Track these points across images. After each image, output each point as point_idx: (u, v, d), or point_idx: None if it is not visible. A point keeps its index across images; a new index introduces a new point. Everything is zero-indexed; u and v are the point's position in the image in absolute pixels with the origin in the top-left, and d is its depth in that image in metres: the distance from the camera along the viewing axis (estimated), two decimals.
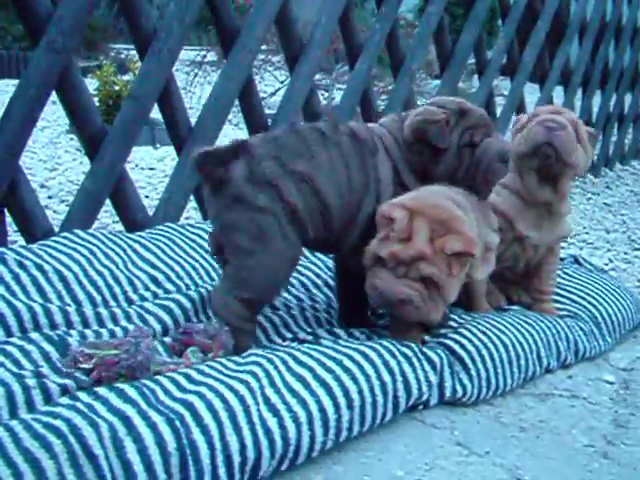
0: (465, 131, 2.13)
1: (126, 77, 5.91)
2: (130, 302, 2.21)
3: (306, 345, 1.91)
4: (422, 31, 3.80)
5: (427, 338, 2.06)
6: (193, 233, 2.66)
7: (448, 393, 1.92)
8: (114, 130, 2.62)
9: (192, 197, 2.93)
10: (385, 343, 1.89)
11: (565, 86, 5.23)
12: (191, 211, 3.48)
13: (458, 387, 1.94)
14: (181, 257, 2.51)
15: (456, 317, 2.19)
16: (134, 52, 2.82)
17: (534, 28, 4.69)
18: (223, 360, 1.79)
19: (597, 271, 2.83)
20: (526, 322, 2.25)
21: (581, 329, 2.38)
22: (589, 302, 2.54)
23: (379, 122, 2.27)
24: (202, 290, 2.25)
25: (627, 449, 1.87)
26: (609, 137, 5.89)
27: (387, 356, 1.83)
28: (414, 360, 1.87)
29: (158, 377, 1.67)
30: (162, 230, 2.66)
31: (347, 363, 1.77)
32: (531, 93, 5.23)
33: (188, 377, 1.67)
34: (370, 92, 3.55)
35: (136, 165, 4.86)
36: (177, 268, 2.44)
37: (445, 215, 1.90)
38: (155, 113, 2.91)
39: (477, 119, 2.15)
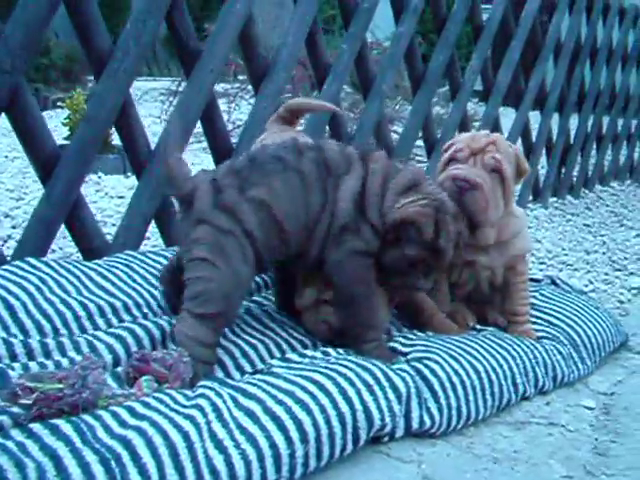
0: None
1: None
2: (83, 330, 2.08)
3: (257, 376, 1.78)
4: (392, 51, 3.72)
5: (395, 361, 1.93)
6: (154, 260, 2.54)
7: (415, 424, 1.80)
8: (68, 153, 2.51)
9: (154, 223, 2.82)
10: (343, 370, 1.77)
11: (541, 108, 5.17)
12: (154, 237, 3.36)
13: (426, 418, 1.82)
14: (140, 285, 2.38)
15: (423, 336, 2.08)
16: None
17: (507, 49, 4.64)
18: (173, 392, 1.66)
19: (575, 292, 2.72)
20: (501, 346, 2.14)
21: (559, 353, 2.26)
22: (567, 324, 2.43)
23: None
24: (160, 321, 2.13)
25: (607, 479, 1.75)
26: (587, 158, 5.84)
27: (345, 384, 1.71)
28: (376, 388, 1.74)
29: (100, 411, 1.54)
30: (120, 257, 2.54)
31: (300, 394, 1.64)
32: (507, 116, 5.18)
33: (131, 411, 1.54)
34: (339, 114, 3.46)
35: (106, 193, 4.74)
36: (135, 296, 2.30)
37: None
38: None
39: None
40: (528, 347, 2.19)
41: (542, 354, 2.20)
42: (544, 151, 5.30)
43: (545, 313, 2.49)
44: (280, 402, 1.61)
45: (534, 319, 2.44)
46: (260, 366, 1.95)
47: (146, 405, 1.57)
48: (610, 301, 3.27)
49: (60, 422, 1.46)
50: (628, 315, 3.00)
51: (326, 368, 1.78)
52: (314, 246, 2.04)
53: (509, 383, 2.04)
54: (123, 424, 1.48)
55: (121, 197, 4.68)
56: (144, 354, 1.80)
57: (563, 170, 5.56)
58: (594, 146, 5.93)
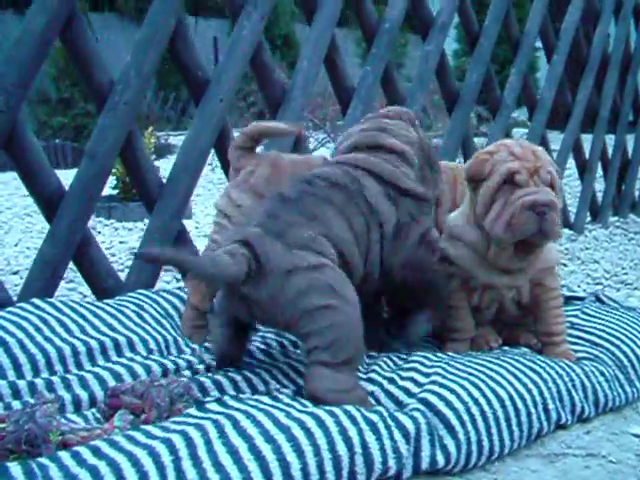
0: None
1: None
2: (80, 367, 1.98)
3: (259, 404, 1.61)
4: (421, 71, 3.57)
5: (405, 397, 1.73)
6: (165, 300, 2.42)
7: (425, 464, 1.58)
8: (72, 191, 2.44)
9: None
10: (347, 406, 1.58)
11: (592, 124, 4.90)
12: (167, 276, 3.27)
13: (439, 456, 1.60)
14: (148, 323, 2.26)
15: (444, 359, 1.89)
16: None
17: (550, 64, 4.43)
18: (149, 427, 1.51)
19: (623, 308, 2.46)
20: (531, 369, 1.91)
21: (601, 374, 2.01)
22: (612, 343, 2.18)
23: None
24: (164, 359, 2.01)
25: None
26: None
27: (346, 422, 1.51)
28: (380, 426, 1.54)
29: (60, 452, 1.40)
30: (131, 297, 2.43)
31: (295, 431, 1.46)
32: (552, 140, 4.93)
33: (95, 450, 1.39)
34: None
35: (129, 229, 4.80)
36: (142, 333, 2.18)
37: None
38: None
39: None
40: (563, 369, 1.95)
41: (580, 376, 1.95)
42: (600, 169, 5.01)
43: (587, 332, 2.24)
44: (270, 440, 1.44)
45: (574, 339, 2.20)
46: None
47: (112, 444, 1.42)
48: None
49: (12, 464, 1.33)
50: None
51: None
52: (372, 265, 1.98)
53: (540, 410, 1.81)
54: (81, 463, 1.34)
55: None
56: (114, 388, 1.68)
57: (623, 187, 5.25)
58: None
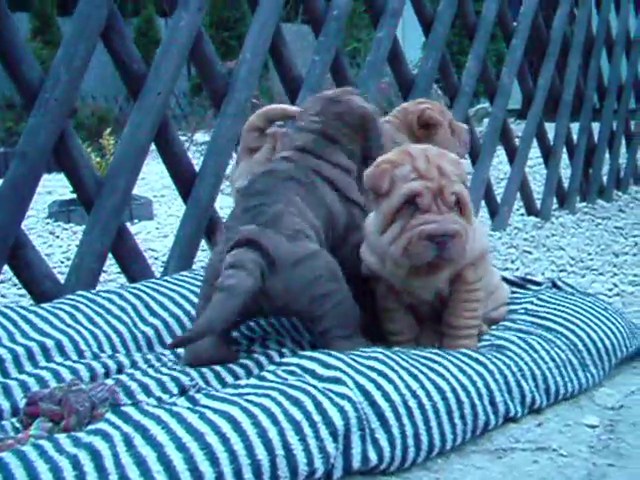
0: None
1: None
2: (6, 375, 1.87)
3: (170, 410, 1.50)
4: (373, 59, 3.48)
5: (332, 387, 1.59)
6: (105, 298, 2.30)
7: (356, 462, 1.48)
8: (1, 192, 2.33)
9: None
10: (268, 403, 1.47)
11: (554, 110, 4.83)
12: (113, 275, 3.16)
13: (371, 453, 1.49)
14: (81, 324, 2.15)
15: (381, 350, 1.80)
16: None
17: (509, 49, 4.36)
18: (60, 437, 1.41)
19: (579, 293, 2.38)
20: (476, 360, 1.82)
21: (552, 360, 1.92)
22: (566, 327, 2.09)
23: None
24: (93, 362, 1.91)
25: None
26: (616, 158, 5.45)
27: (266, 423, 1.41)
28: (304, 425, 1.44)
29: None
30: (68, 298, 2.31)
31: (209, 437, 1.36)
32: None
33: None
34: None
35: None
36: (74, 335, 2.07)
37: None
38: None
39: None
40: (511, 359, 1.86)
41: (529, 364, 1.87)
42: (565, 154, 4.95)
43: (541, 317, 2.15)
44: (181, 448, 1.34)
45: (527, 325, 2.11)
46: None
47: (18, 455, 1.31)
48: (636, 303, 2.92)
49: None
50: None
51: (249, 401, 1.49)
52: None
53: (485, 402, 1.72)
54: None
55: None
56: (32, 395, 1.59)
57: (590, 173, 5.20)
58: (623, 144, 5.55)
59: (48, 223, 5.02)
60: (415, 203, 1.82)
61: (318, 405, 1.49)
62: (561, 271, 3.50)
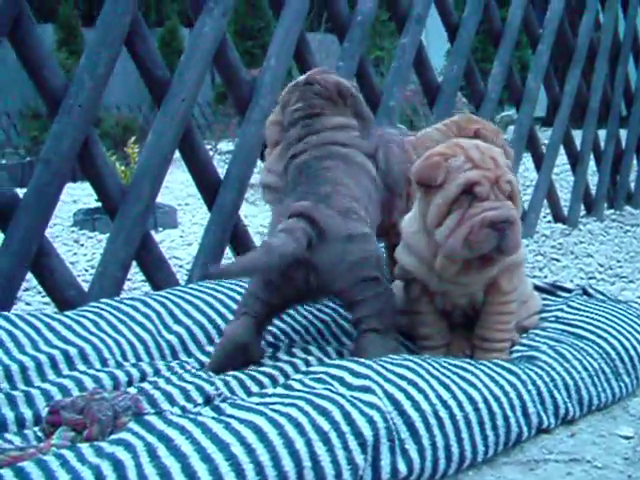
0: None
1: None
2: (29, 384, 1.85)
3: (199, 417, 1.47)
4: (398, 65, 3.44)
5: (361, 395, 1.55)
6: (129, 306, 2.29)
7: (385, 474, 1.44)
8: (26, 199, 2.32)
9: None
10: (295, 413, 1.44)
11: (582, 116, 4.77)
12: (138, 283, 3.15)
13: (401, 464, 1.45)
14: (105, 333, 2.13)
15: (413, 358, 1.76)
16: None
17: (535, 53, 4.31)
18: (83, 446, 1.38)
19: (610, 301, 2.32)
20: (509, 370, 1.77)
21: (585, 369, 1.88)
22: (598, 335, 2.04)
23: None
24: (117, 370, 1.89)
25: None
26: None
27: (292, 433, 1.38)
28: (332, 436, 1.40)
29: None
30: (92, 306, 2.30)
31: (235, 448, 1.33)
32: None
33: (18, 471, 1.27)
34: None
35: None
36: (97, 342, 2.05)
37: None
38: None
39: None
40: (542, 369, 1.81)
41: (561, 374, 1.82)
42: (593, 160, 4.88)
43: (572, 325, 2.10)
44: (206, 458, 1.31)
45: (557, 333, 2.06)
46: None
47: (40, 465, 1.29)
48: None
49: None
50: None
51: (275, 411, 1.46)
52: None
53: (518, 414, 1.68)
54: None
55: None
56: (54, 404, 1.57)
57: (618, 179, 5.11)
58: None
59: (73, 231, 5.03)
60: (472, 193, 1.77)
61: (346, 415, 1.46)
62: (590, 279, 3.43)
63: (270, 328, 2.08)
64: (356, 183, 2.01)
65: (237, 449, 1.34)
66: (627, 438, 1.72)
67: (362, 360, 1.73)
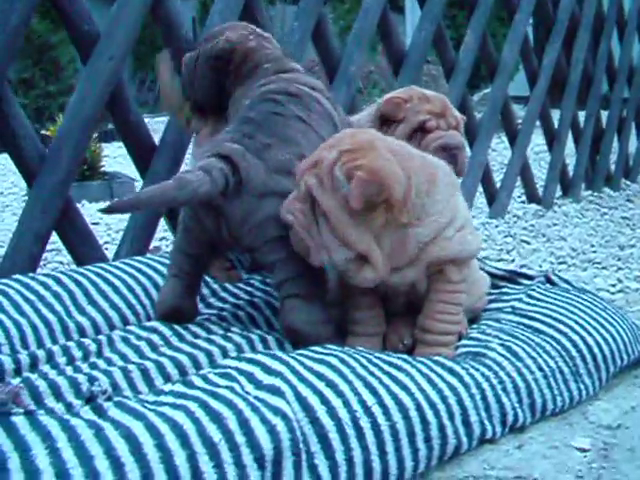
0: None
1: None
2: None
3: (75, 419, 1.23)
4: (359, 28, 3.18)
5: (267, 397, 1.32)
6: (40, 283, 2.02)
7: None
8: None
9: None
10: (181, 418, 1.20)
11: (561, 93, 4.53)
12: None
13: None
14: (6, 313, 1.88)
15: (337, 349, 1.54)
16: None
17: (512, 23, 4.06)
18: None
19: (575, 290, 2.09)
20: (450, 370, 1.54)
21: (539, 369, 1.65)
22: (558, 330, 1.80)
23: None
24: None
25: None
26: (625, 145, 5.14)
27: (173, 444, 1.14)
28: (223, 449, 1.16)
29: None
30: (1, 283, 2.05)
31: (99, 462, 1.09)
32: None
33: None
34: None
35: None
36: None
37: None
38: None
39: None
40: (490, 368, 1.58)
41: (511, 374, 1.59)
42: (571, 139, 4.65)
43: (529, 318, 1.87)
44: (63, 474, 1.08)
45: (513, 325, 1.84)
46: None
47: None
48: None
49: None
50: None
51: (161, 414, 1.22)
52: None
53: (457, 423, 1.44)
54: None
55: (95, 223, 4.26)
56: None
57: (597, 159, 4.89)
58: (633, 131, 5.24)
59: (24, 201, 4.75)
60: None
61: (243, 423, 1.22)
62: (560, 263, 3.22)
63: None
64: (309, 140, 1.80)
65: (102, 463, 1.10)
66: (583, 451, 1.50)
67: (279, 354, 1.50)
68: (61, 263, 3.04)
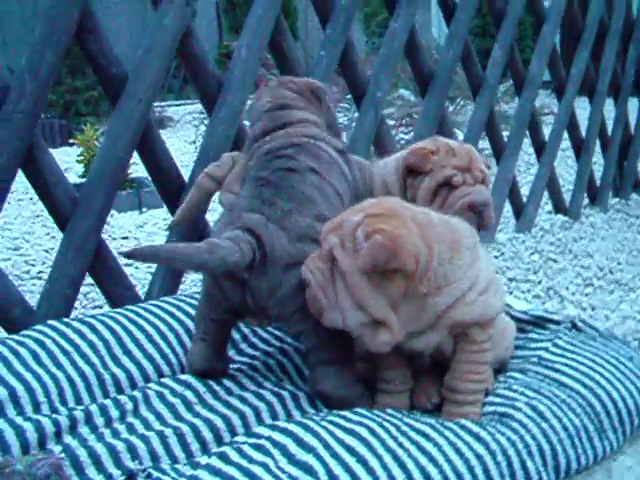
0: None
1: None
2: None
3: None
4: (386, 52, 3.19)
5: (300, 477, 1.38)
6: (75, 331, 2.07)
7: None
8: None
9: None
10: None
11: (590, 96, 4.50)
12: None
13: None
14: (44, 367, 1.94)
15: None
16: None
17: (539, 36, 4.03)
18: None
19: (601, 338, 2.10)
20: (476, 437, 1.57)
21: (564, 429, 1.67)
22: (584, 384, 1.82)
23: None
24: (55, 415, 1.71)
25: None
26: None
27: None
28: None
29: None
30: (36, 331, 2.10)
31: None
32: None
33: None
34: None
35: (109, 236, 4.39)
36: (31, 381, 1.86)
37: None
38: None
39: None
40: (516, 431, 1.61)
41: (537, 437, 1.61)
42: (598, 145, 4.62)
43: (555, 370, 1.89)
44: None
45: (539, 379, 1.85)
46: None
47: None
48: None
49: None
50: None
51: None
52: None
53: None
54: None
55: (125, 238, 4.33)
56: None
57: (625, 165, 4.85)
58: None
59: None
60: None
61: None
62: (587, 285, 3.22)
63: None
64: (325, 195, 1.81)
65: None
66: None
67: (311, 424, 1.53)
68: (93, 301, 3.09)
